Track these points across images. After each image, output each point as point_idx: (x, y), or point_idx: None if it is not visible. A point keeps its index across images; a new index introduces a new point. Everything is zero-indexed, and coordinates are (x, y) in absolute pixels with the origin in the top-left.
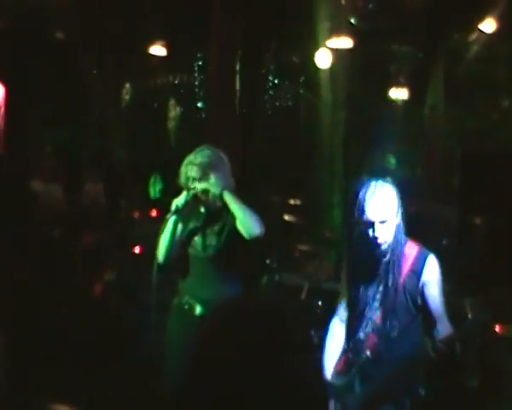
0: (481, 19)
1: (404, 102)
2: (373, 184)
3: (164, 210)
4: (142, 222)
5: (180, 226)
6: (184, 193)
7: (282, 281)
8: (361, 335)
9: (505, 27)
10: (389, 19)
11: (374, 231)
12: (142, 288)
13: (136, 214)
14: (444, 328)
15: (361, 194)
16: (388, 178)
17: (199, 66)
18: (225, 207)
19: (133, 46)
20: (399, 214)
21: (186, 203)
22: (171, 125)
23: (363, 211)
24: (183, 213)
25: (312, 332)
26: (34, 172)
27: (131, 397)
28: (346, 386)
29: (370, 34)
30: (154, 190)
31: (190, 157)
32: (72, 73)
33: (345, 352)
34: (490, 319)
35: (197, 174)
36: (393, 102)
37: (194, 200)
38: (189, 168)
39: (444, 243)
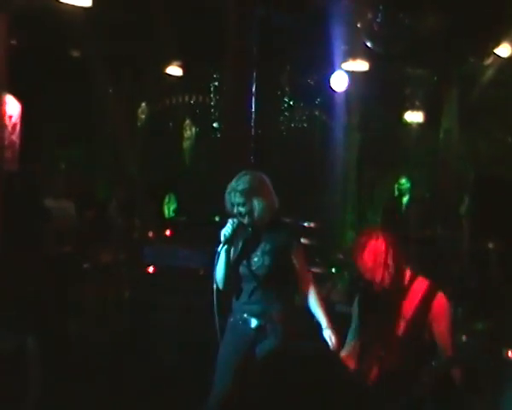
0: (497, 43)
1: (419, 125)
2: (363, 238)
3: (177, 229)
4: (156, 241)
5: (232, 251)
6: (230, 222)
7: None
8: (364, 366)
9: None
10: (405, 42)
11: (364, 283)
12: (154, 307)
13: (151, 233)
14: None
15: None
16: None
17: (214, 86)
18: (271, 228)
19: (149, 66)
20: (393, 259)
21: (233, 232)
22: (186, 144)
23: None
24: (232, 240)
25: None
26: (47, 189)
27: None
28: None
29: (386, 57)
30: (169, 209)
31: (232, 184)
32: (88, 91)
33: None
34: (477, 350)
35: (240, 200)
36: (408, 124)
37: (241, 225)
38: (233, 195)
39: (456, 266)
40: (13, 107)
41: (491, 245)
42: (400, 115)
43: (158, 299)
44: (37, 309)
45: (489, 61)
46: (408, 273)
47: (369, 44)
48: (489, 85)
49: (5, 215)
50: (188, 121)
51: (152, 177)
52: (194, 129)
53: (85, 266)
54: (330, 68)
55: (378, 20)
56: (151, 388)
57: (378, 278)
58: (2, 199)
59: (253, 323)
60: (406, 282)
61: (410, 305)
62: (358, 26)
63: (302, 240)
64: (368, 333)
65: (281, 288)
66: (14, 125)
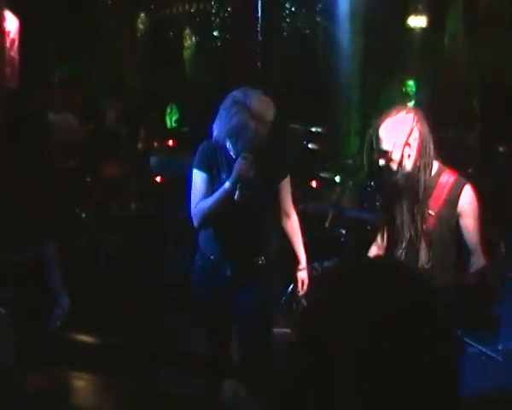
0: None
1: (423, 29)
2: (384, 112)
3: (180, 140)
4: (160, 151)
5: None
6: (244, 160)
7: (305, 210)
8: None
9: None
10: None
11: (382, 160)
12: (163, 217)
13: (154, 144)
14: (476, 260)
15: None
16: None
17: None
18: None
19: None
20: (417, 141)
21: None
22: (186, 54)
23: (372, 141)
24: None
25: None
26: (48, 104)
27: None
28: None
29: None
30: (171, 119)
31: (255, 109)
32: (87, 2)
33: None
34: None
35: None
36: (412, 29)
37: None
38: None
39: (468, 171)
40: (11, 22)
41: (501, 149)
42: (404, 19)
43: (166, 210)
44: (46, 223)
45: None
46: (436, 166)
47: None
48: None
49: (9, 131)
50: (188, 30)
51: (153, 87)
52: (194, 38)
53: (92, 179)
54: None
55: None
56: (158, 301)
57: (397, 157)
58: (5, 116)
59: (228, 271)
60: (433, 174)
61: (437, 199)
62: None
63: (310, 146)
64: (397, 228)
65: (264, 227)
66: (13, 40)
